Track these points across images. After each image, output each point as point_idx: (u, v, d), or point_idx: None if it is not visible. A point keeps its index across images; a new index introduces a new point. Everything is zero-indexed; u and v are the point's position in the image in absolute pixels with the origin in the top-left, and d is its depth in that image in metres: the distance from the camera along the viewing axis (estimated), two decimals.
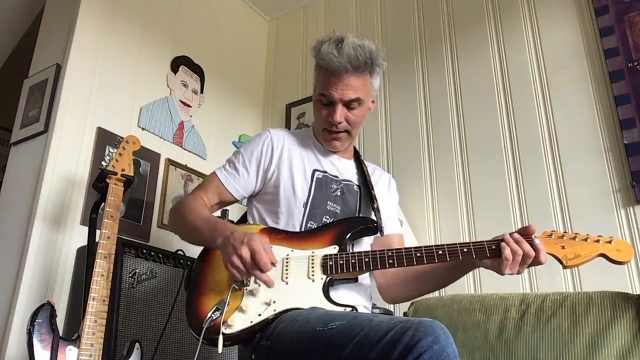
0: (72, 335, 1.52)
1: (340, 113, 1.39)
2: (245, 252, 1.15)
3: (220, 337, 1.15)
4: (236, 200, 1.49)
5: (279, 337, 1.13)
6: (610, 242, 1.16)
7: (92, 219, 1.76)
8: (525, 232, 1.19)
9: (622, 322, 1.49)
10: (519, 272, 1.17)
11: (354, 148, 1.61)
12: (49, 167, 2.01)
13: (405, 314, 1.93)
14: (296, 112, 2.97)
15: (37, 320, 1.46)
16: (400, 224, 1.70)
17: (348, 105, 1.40)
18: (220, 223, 1.31)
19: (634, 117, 1.92)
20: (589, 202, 1.94)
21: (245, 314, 1.19)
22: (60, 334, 1.48)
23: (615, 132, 1.96)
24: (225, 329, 1.17)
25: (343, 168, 1.52)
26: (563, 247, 1.17)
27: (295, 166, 1.45)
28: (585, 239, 1.17)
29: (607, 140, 1.98)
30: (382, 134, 2.59)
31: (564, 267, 1.17)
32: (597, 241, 1.17)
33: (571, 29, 2.18)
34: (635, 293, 1.62)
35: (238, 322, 1.18)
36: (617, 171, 1.92)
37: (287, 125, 2.95)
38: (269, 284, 1.20)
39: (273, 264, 1.18)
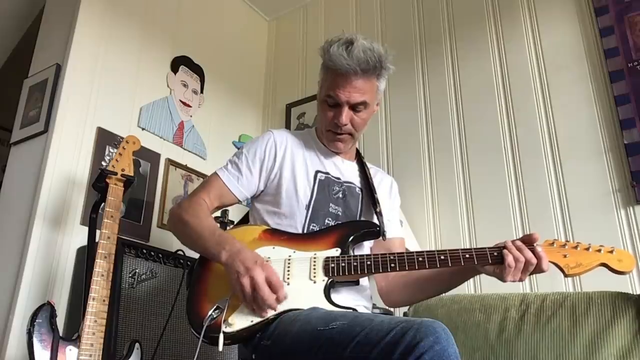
0: (72, 335, 1.52)
1: (346, 115, 1.39)
2: (267, 293, 1.15)
3: (221, 336, 1.14)
4: (238, 202, 1.48)
5: (279, 337, 1.13)
6: (612, 252, 1.16)
7: (92, 219, 1.76)
8: (528, 240, 1.19)
9: (622, 322, 1.49)
10: (521, 280, 1.17)
11: (357, 150, 1.60)
12: (49, 167, 2.01)
13: (405, 314, 1.93)
14: (296, 112, 2.97)
15: (37, 320, 1.46)
16: (400, 224, 1.70)
17: (354, 108, 1.39)
18: (228, 238, 1.27)
19: (634, 117, 1.92)
20: (589, 202, 1.94)
21: (246, 313, 1.19)
22: (60, 334, 1.48)
23: (615, 132, 1.96)
24: (226, 327, 1.17)
25: (345, 170, 1.51)
26: (565, 256, 1.17)
27: (298, 167, 1.45)
28: (587, 248, 1.17)
29: (607, 140, 1.98)
30: (382, 134, 2.59)
31: (566, 275, 1.17)
32: (599, 251, 1.17)
33: (571, 29, 2.18)
34: (635, 293, 1.62)
35: (238, 321, 1.18)
36: (617, 171, 1.92)
37: (287, 125, 2.95)
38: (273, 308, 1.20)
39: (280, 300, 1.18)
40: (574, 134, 2.06)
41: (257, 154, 1.46)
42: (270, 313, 1.19)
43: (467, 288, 2.04)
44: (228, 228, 1.44)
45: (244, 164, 1.45)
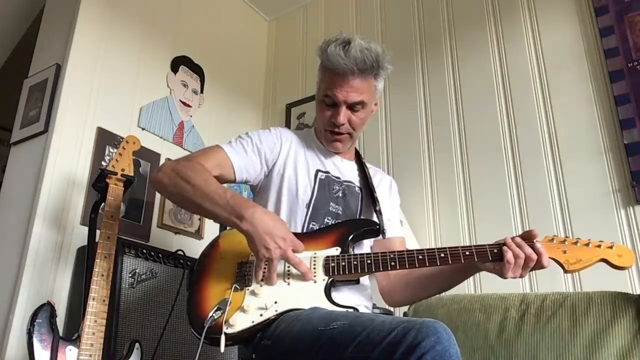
0: (72, 335, 1.52)
1: (343, 115, 1.39)
2: (295, 260, 1.20)
3: (223, 337, 1.14)
4: (234, 181, 1.42)
5: (280, 337, 1.13)
6: (611, 247, 1.16)
7: (92, 219, 1.76)
8: (528, 237, 1.19)
9: (622, 322, 1.49)
10: (521, 276, 1.17)
11: (356, 150, 1.61)
12: (49, 167, 2.01)
13: (405, 314, 1.93)
14: (296, 112, 2.97)
15: (37, 320, 1.46)
16: (400, 224, 1.70)
17: (352, 107, 1.39)
18: (241, 200, 1.22)
19: (634, 117, 1.92)
20: (589, 202, 1.95)
21: (247, 313, 1.19)
22: (60, 334, 1.48)
23: (615, 132, 1.96)
24: (227, 328, 1.17)
25: (345, 169, 1.52)
26: (565, 252, 1.17)
27: (300, 166, 1.45)
28: (587, 244, 1.17)
29: (607, 140, 1.98)
30: (382, 134, 2.59)
31: (566, 271, 1.17)
32: (599, 246, 1.16)
33: (571, 29, 2.18)
34: (635, 293, 1.62)
35: (239, 322, 1.18)
36: (617, 171, 1.92)
37: (287, 125, 2.95)
38: (307, 276, 1.23)
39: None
40: (574, 134, 2.06)
41: (263, 143, 1.44)
42: (271, 313, 1.19)
43: (467, 288, 2.05)
44: (228, 228, 1.43)
45: (249, 147, 1.42)
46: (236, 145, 1.42)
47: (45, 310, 1.49)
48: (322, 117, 1.45)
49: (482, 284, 2.03)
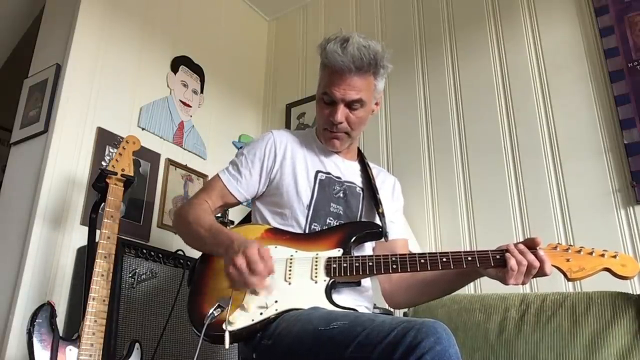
0: (72, 335, 1.52)
1: (341, 113, 1.38)
2: (241, 261, 1.12)
3: (227, 334, 1.14)
4: (239, 203, 1.48)
5: (280, 337, 1.13)
6: (615, 256, 1.15)
7: (92, 219, 1.76)
8: (530, 244, 1.18)
9: (622, 322, 1.50)
10: (523, 283, 1.17)
11: (359, 149, 1.60)
12: (49, 167, 2.01)
13: (405, 314, 1.93)
14: (296, 112, 2.97)
15: (37, 320, 1.46)
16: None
17: (350, 105, 1.39)
18: (223, 231, 1.28)
19: (634, 117, 1.92)
20: (589, 202, 1.95)
21: (247, 312, 1.19)
22: (60, 334, 1.48)
23: (615, 132, 1.96)
24: (226, 326, 1.17)
25: (346, 169, 1.51)
26: (568, 260, 1.17)
27: (299, 167, 1.45)
28: (590, 253, 1.17)
29: (607, 140, 1.98)
30: (382, 134, 2.59)
31: (568, 279, 1.16)
32: (602, 255, 1.16)
33: (571, 29, 2.19)
34: (635, 293, 1.62)
35: (239, 320, 1.18)
36: (617, 171, 1.92)
37: (287, 125, 2.95)
38: (269, 291, 1.18)
39: (270, 272, 1.14)
40: (574, 134, 2.06)
41: (257, 155, 1.46)
42: (271, 312, 1.19)
43: (467, 288, 2.03)
44: (229, 227, 1.43)
45: (243, 165, 1.46)
46: (232, 169, 1.47)
47: (45, 310, 1.49)
48: (321, 115, 1.44)
49: (482, 284, 2.03)
